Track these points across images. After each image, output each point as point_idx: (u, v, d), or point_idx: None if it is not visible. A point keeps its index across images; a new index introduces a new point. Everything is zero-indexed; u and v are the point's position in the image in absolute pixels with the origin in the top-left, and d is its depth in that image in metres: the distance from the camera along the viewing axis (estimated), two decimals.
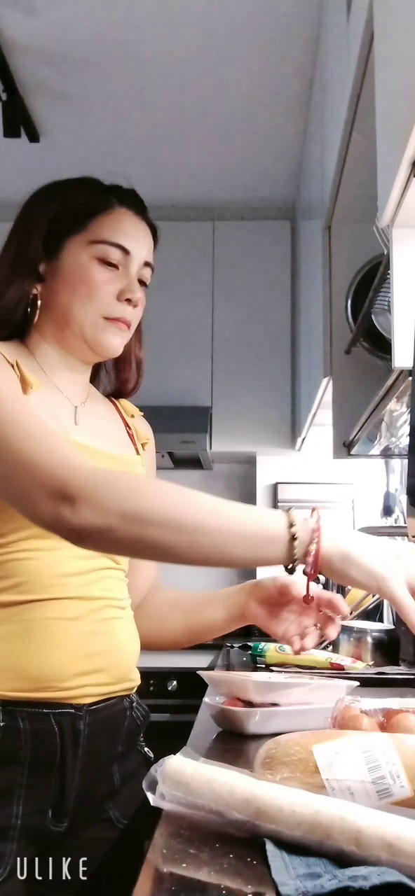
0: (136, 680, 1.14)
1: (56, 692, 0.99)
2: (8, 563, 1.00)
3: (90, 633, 1.03)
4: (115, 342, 1.11)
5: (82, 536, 0.88)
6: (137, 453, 1.20)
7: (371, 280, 1.82)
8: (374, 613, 2.55)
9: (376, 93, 1.48)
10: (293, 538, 0.89)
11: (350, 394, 2.21)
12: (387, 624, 2.32)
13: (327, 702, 1.06)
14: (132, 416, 1.26)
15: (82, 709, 1.02)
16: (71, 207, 1.10)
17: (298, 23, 2.53)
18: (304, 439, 3.19)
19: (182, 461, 3.63)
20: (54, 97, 2.92)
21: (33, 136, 3.07)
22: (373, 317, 1.87)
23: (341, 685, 1.18)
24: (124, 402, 1.27)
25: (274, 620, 1.12)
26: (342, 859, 0.56)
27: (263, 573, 1.19)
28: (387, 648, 1.94)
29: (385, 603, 2.66)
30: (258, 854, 0.59)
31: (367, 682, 1.56)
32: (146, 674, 2.94)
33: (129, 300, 1.09)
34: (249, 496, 3.72)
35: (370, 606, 2.36)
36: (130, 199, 1.14)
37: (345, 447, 2.22)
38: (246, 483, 3.77)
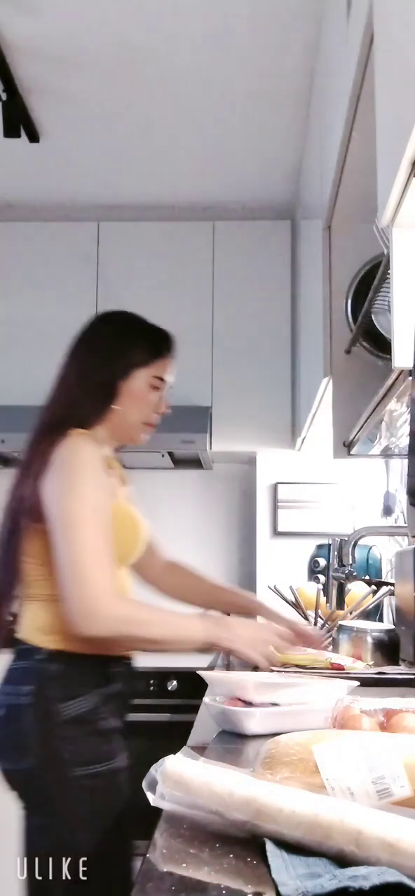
0: None
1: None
2: None
3: None
4: (146, 438, 1.69)
5: (100, 643, 1.43)
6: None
7: (371, 280, 1.82)
8: (374, 613, 2.55)
9: (376, 93, 1.48)
10: (208, 640, 1.46)
11: (350, 394, 2.21)
12: (387, 624, 2.33)
13: (326, 702, 1.06)
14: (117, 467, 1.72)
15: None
16: (143, 351, 1.62)
17: (298, 23, 2.53)
18: (304, 439, 3.19)
19: (182, 461, 3.63)
20: (54, 97, 2.92)
21: (33, 136, 3.07)
22: (373, 317, 1.87)
23: (341, 685, 1.18)
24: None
25: None
26: (342, 859, 0.56)
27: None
28: (387, 648, 1.94)
29: (385, 603, 2.66)
30: (258, 854, 0.59)
31: (367, 682, 1.56)
32: (146, 674, 2.97)
33: (161, 412, 1.68)
34: (249, 496, 3.72)
35: (370, 606, 2.36)
36: (173, 347, 1.68)
37: (345, 447, 2.22)
38: (246, 483, 3.77)
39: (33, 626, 1.49)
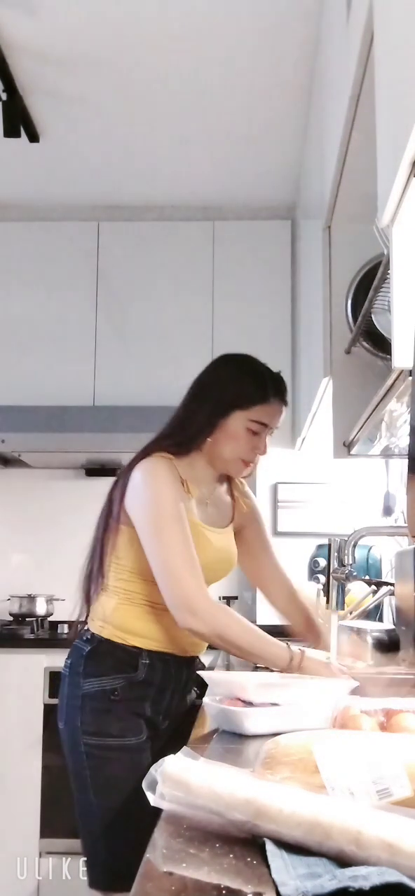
0: None
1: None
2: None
3: None
4: (242, 474, 1.79)
5: (194, 634, 1.60)
6: (232, 520, 1.83)
7: (371, 280, 1.82)
8: (374, 613, 2.55)
9: (376, 93, 1.48)
10: (291, 660, 1.54)
11: (350, 394, 2.20)
12: (387, 624, 2.32)
13: (327, 702, 1.06)
14: (239, 489, 1.90)
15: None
16: (246, 394, 1.70)
17: (298, 23, 2.53)
18: (304, 439, 3.19)
19: None
20: (54, 97, 2.92)
21: (33, 136, 3.07)
22: (373, 317, 1.87)
23: (341, 685, 1.18)
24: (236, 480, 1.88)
25: None
26: (342, 859, 0.56)
27: None
28: (387, 648, 1.94)
29: (385, 603, 2.66)
30: (258, 854, 0.59)
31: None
32: None
33: (260, 454, 1.74)
34: None
35: (370, 606, 2.36)
36: (282, 391, 1.75)
37: (345, 447, 2.22)
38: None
39: (93, 609, 1.71)
